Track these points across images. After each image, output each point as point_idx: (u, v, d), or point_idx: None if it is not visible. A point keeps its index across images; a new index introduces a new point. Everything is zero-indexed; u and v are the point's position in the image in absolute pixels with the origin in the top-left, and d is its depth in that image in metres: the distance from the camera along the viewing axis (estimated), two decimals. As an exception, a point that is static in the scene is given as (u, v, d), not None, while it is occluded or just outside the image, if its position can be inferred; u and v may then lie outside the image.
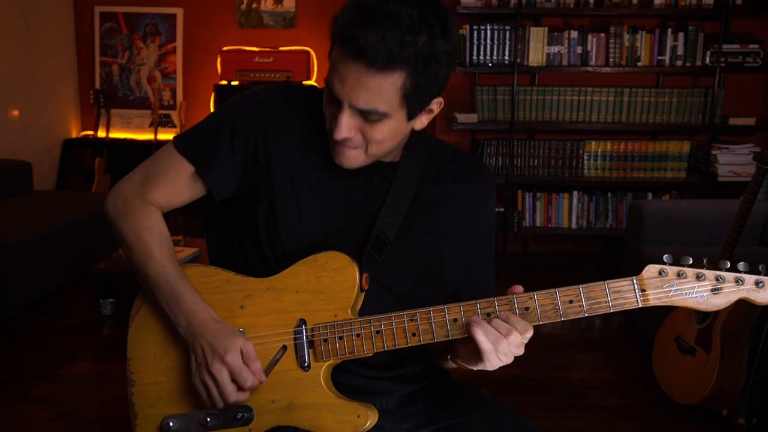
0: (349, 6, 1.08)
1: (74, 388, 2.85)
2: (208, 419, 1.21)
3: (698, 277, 1.10)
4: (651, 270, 1.11)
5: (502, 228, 4.43)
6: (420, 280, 1.28)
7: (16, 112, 4.71)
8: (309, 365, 1.20)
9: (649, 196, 4.57)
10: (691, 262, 1.11)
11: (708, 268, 1.10)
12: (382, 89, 1.09)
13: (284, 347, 1.21)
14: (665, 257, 1.11)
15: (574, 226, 4.60)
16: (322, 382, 1.20)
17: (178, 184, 1.28)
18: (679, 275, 1.10)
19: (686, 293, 1.10)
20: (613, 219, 4.58)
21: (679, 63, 4.40)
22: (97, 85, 5.28)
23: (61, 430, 2.53)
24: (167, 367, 1.26)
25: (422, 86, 1.11)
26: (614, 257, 4.27)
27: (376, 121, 1.13)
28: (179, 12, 5.17)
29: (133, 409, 1.28)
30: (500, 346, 1.10)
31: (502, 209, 4.43)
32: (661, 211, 3.44)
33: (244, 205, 1.29)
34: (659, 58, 4.40)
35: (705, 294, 1.09)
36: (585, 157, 4.54)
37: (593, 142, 4.53)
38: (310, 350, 1.20)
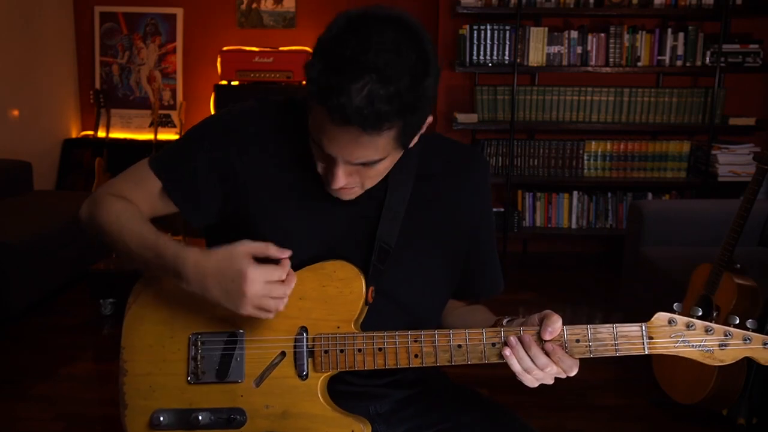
0: (322, 60, 1.01)
1: (74, 388, 2.85)
2: (200, 418, 1.20)
3: (707, 331, 1.11)
4: (661, 318, 1.11)
5: (502, 228, 4.43)
6: (426, 283, 1.27)
7: (16, 112, 4.71)
8: (307, 374, 1.19)
9: (649, 196, 4.57)
10: (700, 313, 1.11)
11: (717, 322, 1.11)
12: (378, 144, 1.05)
13: (283, 353, 1.19)
14: (675, 306, 1.12)
15: (574, 226, 4.60)
16: (319, 393, 1.19)
17: (149, 197, 1.25)
18: (688, 326, 1.11)
19: (694, 345, 1.11)
20: (613, 219, 4.58)
21: (679, 63, 4.40)
22: (97, 85, 5.27)
23: (61, 430, 2.53)
24: (162, 360, 1.24)
25: (415, 126, 1.09)
26: (614, 257, 4.27)
27: (373, 164, 1.10)
28: (179, 12, 5.16)
29: (123, 399, 1.25)
30: (534, 374, 1.11)
31: (502, 209, 4.43)
32: (661, 211, 3.43)
33: (237, 229, 1.23)
34: (659, 58, 4.40)
35: (712, 348, 1.10)
36: (585, 157, 4.54)
37: (593, 142, 4.52)
38: (310, 359, 1.19)
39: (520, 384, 1.14)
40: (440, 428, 1.29)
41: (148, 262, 1.19)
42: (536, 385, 1.13)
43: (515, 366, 1.11)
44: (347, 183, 1.12)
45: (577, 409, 2.73)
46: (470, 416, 1.30)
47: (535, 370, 1.10)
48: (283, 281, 1.12)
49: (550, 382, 1.13)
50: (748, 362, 2.38)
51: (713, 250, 2.48)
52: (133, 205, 1.24)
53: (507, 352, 1.11)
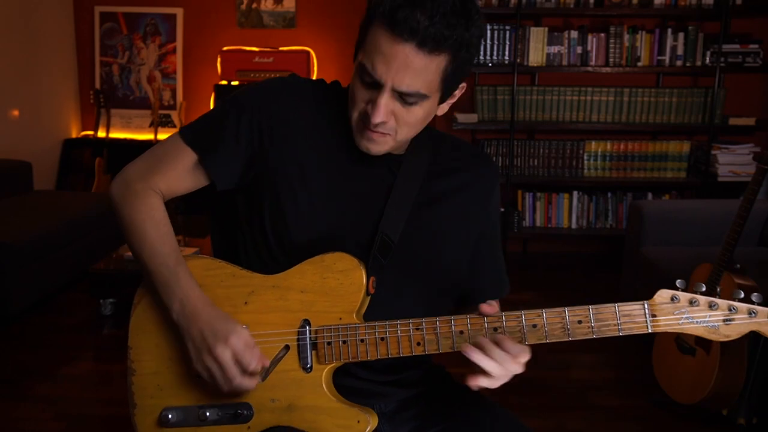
0: None
1: (74, 388, 2.85)
2: (207, 414, 1.21)
3: (711, 306, 1.09)
4: (663, 295, 1.10)
5: (502, 228, 4.42)
6: (427, 279, 1.28)
7: (16, 112, 4.71)
8: (311, 367, 1.19)
9: (649, 196, 4.57)
10: (704, 289, 1.10)
11: (722, 297, 1.09)
12: (428, 71, 1.09)
13: (287, 347, 1.20)
14: (678, 282, 1.10)
15: (574, 226, 4.60)
16: (323, 384, 1.19)
17: (181, 172, 1.27)
18: (691, 302, 1.09)
19: (698, 321, 1.09)
20: (613, 219, 4.58)
21: (679, 63, 4.40)
22: (97, 85, 5.27)
23: (61, 430, 2.53)
24: (169, 359, 1.25)
25: (459, 70, 1.13)
26: (614, 257, 4.27)
27: (413, 103, 1.13)
28: (179, 12, 5.16)
29: (132, 399, 1.27)
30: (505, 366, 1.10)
31: (502, 209, 4.43)
32: (661, 211, 3.44)
33: (250, 195, 1.28)
34: (659, 58, 4.41)
35: (716, 323, 1.09)
36: (585, 157, 4.54)
37: (593, 142, 4.53)
38: (313, 352, 1.19)
39: (522, 384, 1.13)
40: (441, 428, 1.29)
41: (154, 275, 1.23)
42: (497, 384, 1.12)
43: (489, 366, 1.09)
44: (386, 121, 1.14)
45: (577, 409, 2.73)
46: (470, 417, 1.31)
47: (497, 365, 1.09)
48: (246, 372, 1.16)
49: (506, 378, 1.12)
50: (748, 362, 2.39)
51: (713, 250, 2.48)
52: (162, 209, 1.27)
53: (472, 353, 1.09)
